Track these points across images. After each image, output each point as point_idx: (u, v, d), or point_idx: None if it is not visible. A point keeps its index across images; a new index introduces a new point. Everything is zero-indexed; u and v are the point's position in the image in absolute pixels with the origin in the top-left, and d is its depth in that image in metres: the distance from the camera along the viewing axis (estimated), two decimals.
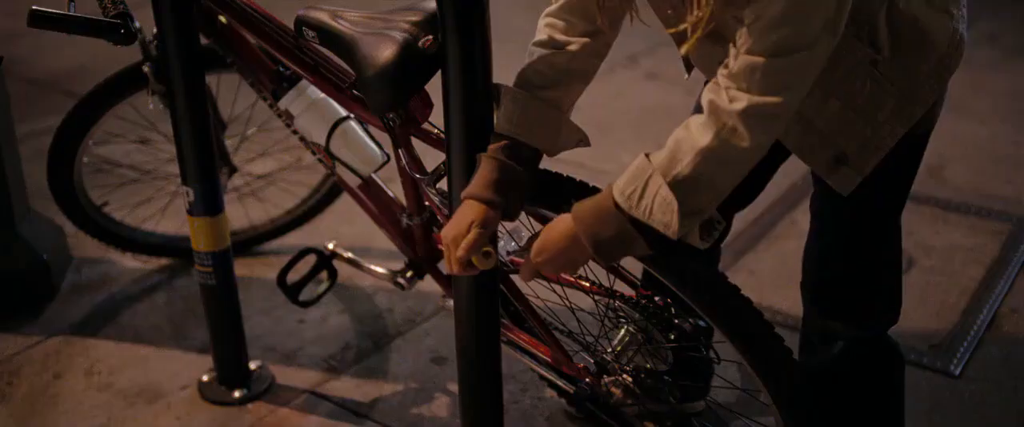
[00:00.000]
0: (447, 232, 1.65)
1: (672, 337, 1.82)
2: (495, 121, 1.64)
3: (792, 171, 2.12)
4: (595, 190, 1.69)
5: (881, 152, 1.59)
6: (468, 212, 1.62)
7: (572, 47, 1.64)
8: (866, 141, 1.58)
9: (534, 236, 1.63)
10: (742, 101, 1.39)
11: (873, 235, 1.76)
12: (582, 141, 1.68)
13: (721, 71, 1.42)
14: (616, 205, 1.49)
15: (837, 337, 1.81)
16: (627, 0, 1.56)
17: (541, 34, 1.67)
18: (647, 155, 1.48)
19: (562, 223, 1.57)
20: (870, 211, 1.71)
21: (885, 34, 1.52)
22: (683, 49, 1.45)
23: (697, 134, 1.43)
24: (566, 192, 1.70)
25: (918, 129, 1.62)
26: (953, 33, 1.57)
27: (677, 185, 1.44)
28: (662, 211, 1.46)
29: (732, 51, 1.41)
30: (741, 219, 2.50)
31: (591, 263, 1.63)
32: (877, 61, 1.53)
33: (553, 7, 1.66)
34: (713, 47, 1.55)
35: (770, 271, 2.86)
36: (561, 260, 1.59)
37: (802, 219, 3.06)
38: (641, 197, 1.47)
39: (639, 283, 1.87)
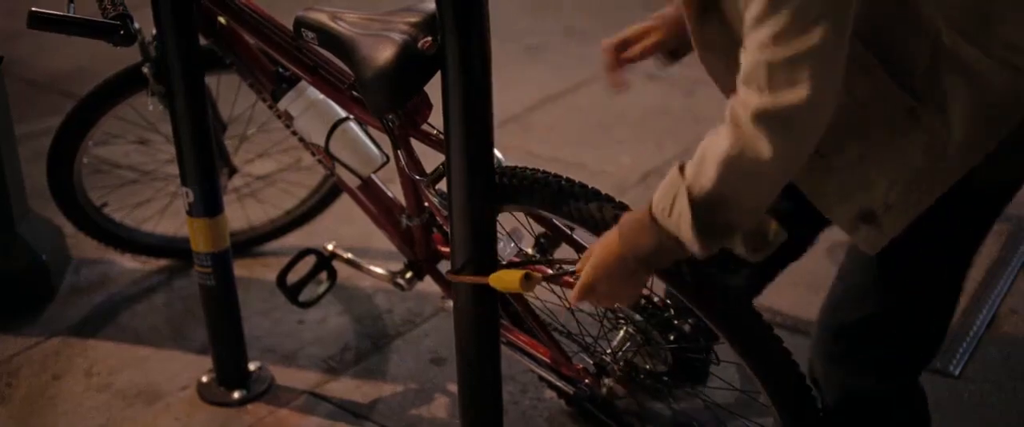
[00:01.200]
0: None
1: (671, 338, 1.83)
2: None
3: None
4: (594, 190, 1.69)
5: (912, 213, 1.42)
6: None
7: None
8: (895, 200, 1.42)
9: (575, 260, 1.60)
10: (754, 103, 1.27)
11: (917, 288, 1.55)
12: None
13: (739, 76, 1.31)
14: (652, 217, 1.41)
15: (857, 394, 1.63)
16: None
17: None
18: (681, 166, 1.39)
19: (608, 240, 1.49)
20: (912, 262, 1.47)
21: (927, 81, 1.35)
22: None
23: (720, 142, 1.32)
24: (566, 193, 1.70)
25: (983, 177, 1.40)
26: (1016, 85, 1.36)
27: (700, 201, 1.35)
28: (687, 227, 1.37)
29: (742, 54, 1.30)
30: None
31: None
32: (915, 109, 1.37)
33: None
34: (714, 59, 1.44)
35: None
36: (614, 285, 1.50)
37: None
38: (671, 212, 1.38)
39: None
